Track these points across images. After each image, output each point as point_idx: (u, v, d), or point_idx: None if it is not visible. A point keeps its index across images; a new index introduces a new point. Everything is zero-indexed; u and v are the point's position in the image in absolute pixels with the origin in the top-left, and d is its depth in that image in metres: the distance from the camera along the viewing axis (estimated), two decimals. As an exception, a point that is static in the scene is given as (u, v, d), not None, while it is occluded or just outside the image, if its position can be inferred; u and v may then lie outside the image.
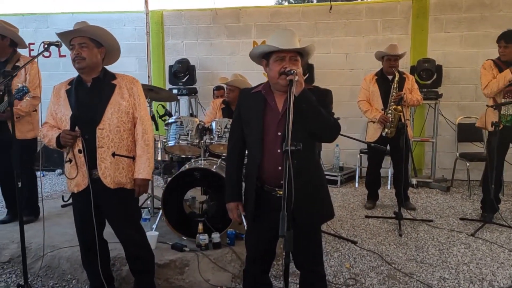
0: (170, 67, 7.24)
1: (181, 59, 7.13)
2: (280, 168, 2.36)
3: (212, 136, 4.05)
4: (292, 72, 2.21)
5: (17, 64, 4.24)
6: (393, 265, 3.71)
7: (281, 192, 2.38)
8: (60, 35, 2.75)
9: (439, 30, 6.72)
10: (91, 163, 2.70)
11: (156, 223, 4.00)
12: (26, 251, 3.68)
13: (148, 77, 7.32)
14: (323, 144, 6.75)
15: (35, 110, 4.36)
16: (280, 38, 2.40)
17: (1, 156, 4.28)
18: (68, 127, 2.67)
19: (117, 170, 2.74)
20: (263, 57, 2.44)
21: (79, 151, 2.69)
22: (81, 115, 2.68)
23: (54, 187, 6.54)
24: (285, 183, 1.97)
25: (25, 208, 4.27)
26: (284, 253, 2.07)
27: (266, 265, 2.67)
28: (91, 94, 2.74)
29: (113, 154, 2.72)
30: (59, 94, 2.80)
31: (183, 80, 7.08)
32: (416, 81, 6.23)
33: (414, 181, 6.33)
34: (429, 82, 6.38)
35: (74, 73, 2.86)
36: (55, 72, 7.95)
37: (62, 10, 8.22)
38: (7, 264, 3.71)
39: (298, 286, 2.72)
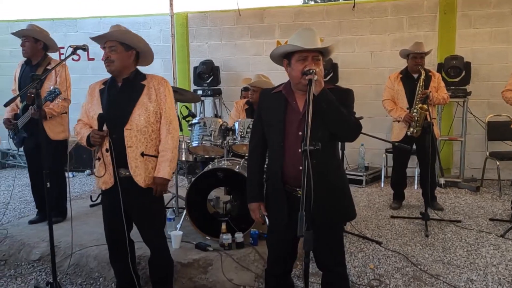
0: (195, 68, 7.31)
1: (205, 60, 7.19)
2: (301, 168, 2.35)
3: (235, 137, 4.08)
4: (311, 71, 2.21)
5: (47, 67, 4.36)
6: (419, 266, 3.65)
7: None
8: (94, 39, 2.83)
9: (467, 26, 6.57)
10: (119, 162, 2.75)
11: (180, 222, 4.06)
12: (56, 250, 3.81)
13: (173, 78, 7.38)
14: (347, 143, 6.71)
15: (65, 112, 4.47)
16: (303, 38, 2.39)
17: (34, 157, 4.42)
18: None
19: (147, 170, 2.79)
20: (284, 57, 2.45)
21: (106, 150, 2.75)
22: (109, 115, 2.74)
23: (83, 187, 6.70)
24: (304, 183, 1.97)
25: (54, 209, 4.38)
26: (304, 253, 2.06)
27: (287, 265, 2.66)
28: (121, 95, 2.79)
29: (142, 154, 2.76)
30: (93, 93, 2.87)
31: (208, 81, 7.14)
32: (444, 79, 6.12)
33: (442, 181, 6.20)
34: (457, 79, 6.23)
35: (103, 76, 2.93)
36: (84, 75, 8.14)
37: (90, 15, 8.40)
38: (37, 263, 3.82)
39: (320, 286, 2.71)
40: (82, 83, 8.40)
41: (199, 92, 7.17)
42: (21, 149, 4.53)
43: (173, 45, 7.36)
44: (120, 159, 2.74)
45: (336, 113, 2.27)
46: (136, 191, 2.77)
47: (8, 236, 4.16)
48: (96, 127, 2.75)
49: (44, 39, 4.41)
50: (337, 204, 2.45)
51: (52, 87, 3.91)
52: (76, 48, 3.47)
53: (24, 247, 3.99)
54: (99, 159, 2.81)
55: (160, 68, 7.90)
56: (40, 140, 3.87)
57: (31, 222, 4.45)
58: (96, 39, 2.80)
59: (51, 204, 3.60)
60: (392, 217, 4.90)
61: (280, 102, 2.45)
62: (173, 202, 4.63)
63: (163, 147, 2.82)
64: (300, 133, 2.37)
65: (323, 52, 2.44)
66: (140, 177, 2.76)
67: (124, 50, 2.76)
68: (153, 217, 2.92)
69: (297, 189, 2.41)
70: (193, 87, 7.47)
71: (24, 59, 4.43)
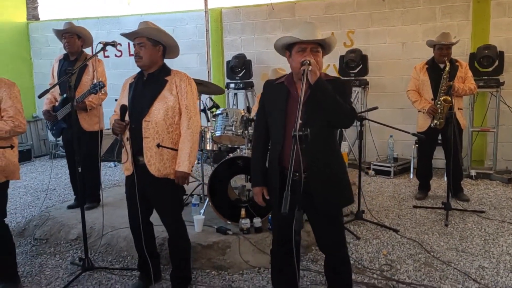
0: (228, 62, 7.54)
1: (238, 54, 7.40)
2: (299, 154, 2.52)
3: (255, 127, 4.26)
4: (305, 62, 2.36)
5: (86, 63, 4.69)
6: (432, 253, 3.71)
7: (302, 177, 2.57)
8: (124, 35, 3.10)
9: (501, 15, 6.40)
10: (138, 151, 3.00)
11: (204, 208, 4.30)
12: (90, 231, 4.19)
13: (208, 72, 7.65)
14: (377, 136, 6.75)
15: (100, 105, 4.81)
16: (302, 30, 2.55)
17: (71, 147, 4.77)
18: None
19: (161, 161, 2.98)
20: (287, 48, 2.61)
21: (127, 139, 3.02)
22: (132, 106, 2.99)
23: (123, 175, 7.06)
24: (291, 166, 2.12)
25: (90, 196, 4.75)
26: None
27: (291, 246, 2.82)
28: (145, 88, 3.02)
29: (158, 145, 2.96)
30: (125, 87, 3.14)
31: (240, 75, 7.35)
32: (476, 69, 6.04)
33: (473, 172, 6.12)
34: (490, 69, 6.10)
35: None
36: (125, 70, 8.56)
37: (132, 12, 8.81)
38: (74, 241, 4.19)
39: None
40: (124, 78, 8.87)
41: (232, 86, 7.41)
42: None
43: (207, 40, 7.64)
44: (139, 148, 2.98)
45: (331, 101, 2.40)
46: (153, 178, 2.99)
47: (50, 218, 4.56)
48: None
49: (85, 36, 4.76)
50: (336, 188, 2.58)
51: (96, 81, 4.24)
52: (105, 44, 3.79)
53: (64, 228, 4.37)
54: (123, 146, 3.08)
55: (196, 63, 8.21)
56: (80, 132, 4.25)
57: (70, 207, 4.82)
58: (126, 35, 3.05)
59: (87, 191, 3.95)
60: (415, 207, 4.94)
61: (282, 92, 2.61)
62: (200, 189, 4.88)
63: (183, 141, 2.98)
64: (300, 121, 2.52)
65: (324, 46, 2.58)
66: (154, 167, 2.96)
67: (152, 45, 2.96)
68: (170, 203, 3.13)
69: (297, 173, 2.57)
70: (226, 80, 7.71)
71: (61, 55, 4.80)
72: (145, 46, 2.95)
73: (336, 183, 2.59)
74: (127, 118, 3.01)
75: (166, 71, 3.06)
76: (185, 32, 8.26)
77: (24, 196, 5.97)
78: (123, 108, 2.99)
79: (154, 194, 3.09)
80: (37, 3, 11.33)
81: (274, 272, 2.89)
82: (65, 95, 4.54)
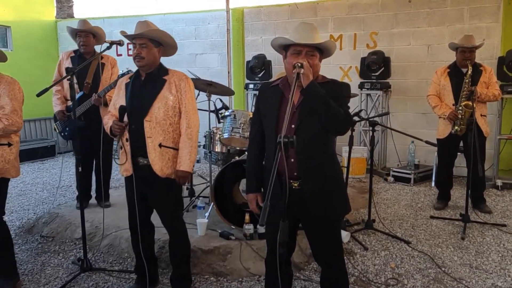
0: (247, 62, 7.43)
1: (258, 55, 7.28)
2: (292, 160, 2.40)
3: (263, 130, 4.14)
4: (297, 65, 2.24)
5: (102, 61, 4.67)
6: (443, 269, 3.50)
7: (296, 184, 2.45)
8: (126, 36, 3.04)
9: (534, 16, 6.07)
10: (137, 152, 2.96)
11: (209, 211, 4.22)
12: (96, 230, 4.18)
13: (228, 72, 7.57)
14: (398, 140, 6.50)
15: None
16: (298, 32, 2.44)
17: (84, 145, 4.73)
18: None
19: (163, 161, 2.96)
20: (283, 49, 2.49)
21: (126, 140, 2.98)
22: (131, 106, 2.95)
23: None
24: (273, 175, 1.99)
25: (106, 194, 4.77)
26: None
27: (286, 256, 2.70)
28: (143, 88, 2.98)
29: (160, 145, 2.94)
30: (120, 87, 3.10)
31: (259, 75, 7.23)
32: (506, 73, 5.75)
33: (499, 182, 5.81)
34: (519, 74, 5.78)
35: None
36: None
37: (155, 12, 8.86)
38: (79, 240, 4.15)
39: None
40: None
41: (251, 86, 7.30)
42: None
43: (228, 40, 7.56)
44: (139, 149, 2.94)
45: (324, 105, 2.27)
46: (154, 179, 2.96)
47: (59, 216, 4.57)
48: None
49: (99, 35, 4.73)
50: (331, 197, 2.45)
51: (122, 70, 4.23)
52: (111, 43, 3.78)
53: (70, 226, 4.37)
54: (121, 148, 3.04)
55: (217, 62, 8.16)
56: (74, 129, 4.14)
57: (78, 207, 4.81)
58: (128, 36, 2.99)
59: (104, 189, 3.93)
60: (432, 217, 4.69)
61: (276, 95, 2.50)
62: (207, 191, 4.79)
63: (183, 140, 2.98)
64: (293, 125, 2.41)
65: (321, 49, 2.45)
66: (158, 166, 2.94)
67: (154, 46, 2.94)
68: (171, 202, 3.10)
69: (291, 181, 2.45)
70: (246, 81, 7.61)
71: (71, 51, 4.76)
72: (147, 47, 2.92)
73: (331, 192, 2.46)
74: (125, 119, 2.97)
75: (164, 70, 3.03)
76: (206, 32, 8.22)
77: (40, 192, 6.04)
78: (121, 109, 2.94)
79: (155, 194, 3.06)
80: (72, 2, 11.57)
81: (268, 281, 2.78)
82: (82, 92, 4.50)
